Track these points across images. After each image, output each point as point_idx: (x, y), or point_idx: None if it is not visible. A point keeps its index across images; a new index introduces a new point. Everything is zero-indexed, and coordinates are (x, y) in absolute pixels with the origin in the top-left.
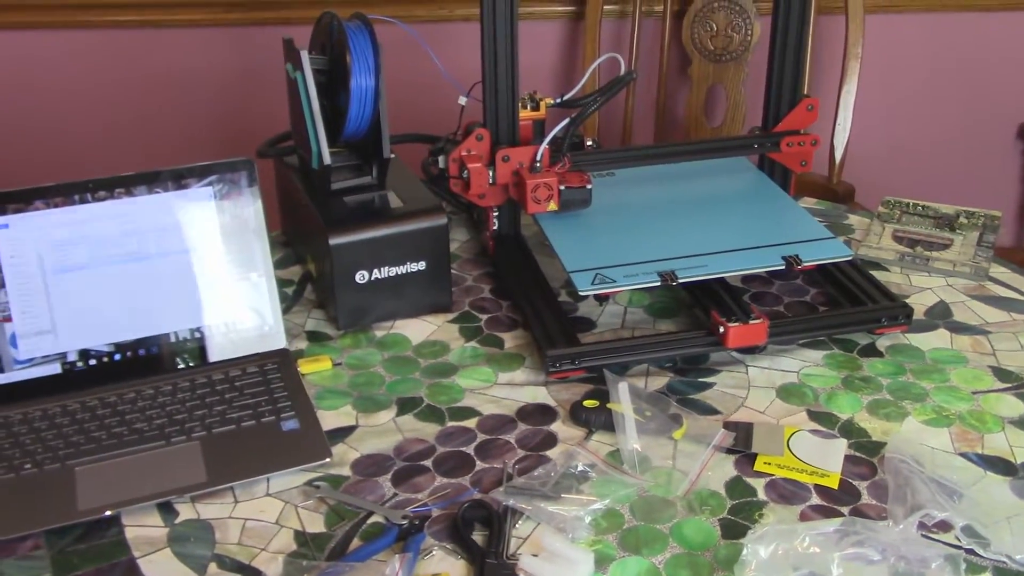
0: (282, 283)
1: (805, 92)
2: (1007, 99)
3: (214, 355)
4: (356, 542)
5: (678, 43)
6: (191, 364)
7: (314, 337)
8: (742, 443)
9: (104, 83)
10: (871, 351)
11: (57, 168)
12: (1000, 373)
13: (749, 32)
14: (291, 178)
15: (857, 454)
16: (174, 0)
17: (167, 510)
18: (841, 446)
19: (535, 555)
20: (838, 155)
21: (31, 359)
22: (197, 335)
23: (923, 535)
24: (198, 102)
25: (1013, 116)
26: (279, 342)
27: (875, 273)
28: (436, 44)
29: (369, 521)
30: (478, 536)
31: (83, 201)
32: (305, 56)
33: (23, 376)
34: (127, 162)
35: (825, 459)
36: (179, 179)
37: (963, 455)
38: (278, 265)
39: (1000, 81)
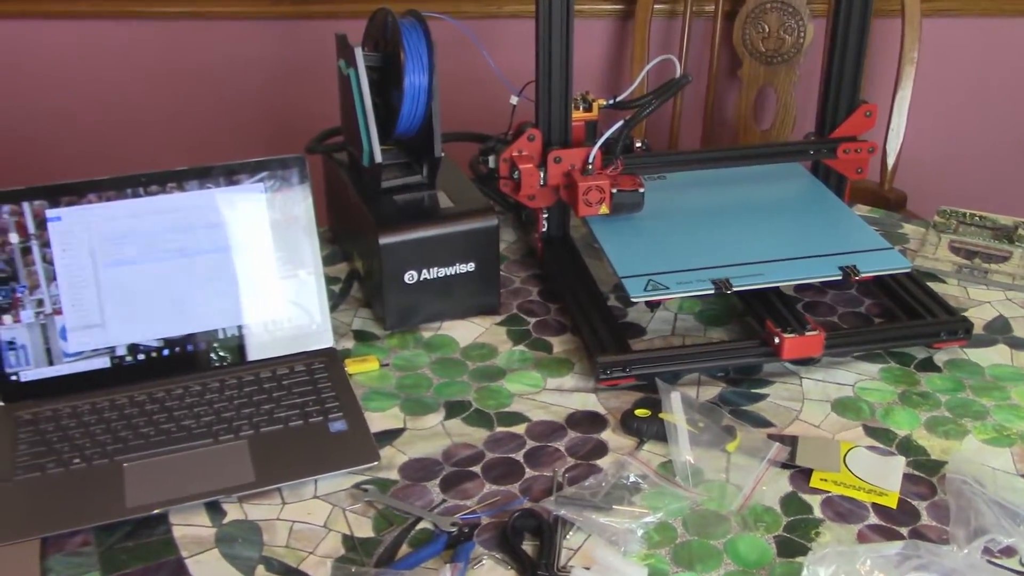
0: (329, 280)
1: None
2: None
3: (262, 352)
4: (405, 548)
5: (729, 44)
6: (239, 361)
7: (361, 336)
8: (791, 457)
9: (152, 74)
10: (928, 366)
11: (105, 159)
12: None
13: (802, 34)
14: (340, 175)
15: (916, 473)
16: None
17: (215, 510)
18: (899, 464)
19: (587, 568)
20: (891, 161)
21: (80, 352)
22: (245, 332)
23: (988, 561)
24: (245, 95)
25: None
26: (327, 341)
27: (932, 285)
28: (485, 40)
29: (417, 527)
30: (528, 546)
31: (135, 195)
32: (359, 53)
33: (72, 369)
34: (174, 154)
35: (883, 477)
36: (231, 175)
37: None
38: (325, 262)
39: None
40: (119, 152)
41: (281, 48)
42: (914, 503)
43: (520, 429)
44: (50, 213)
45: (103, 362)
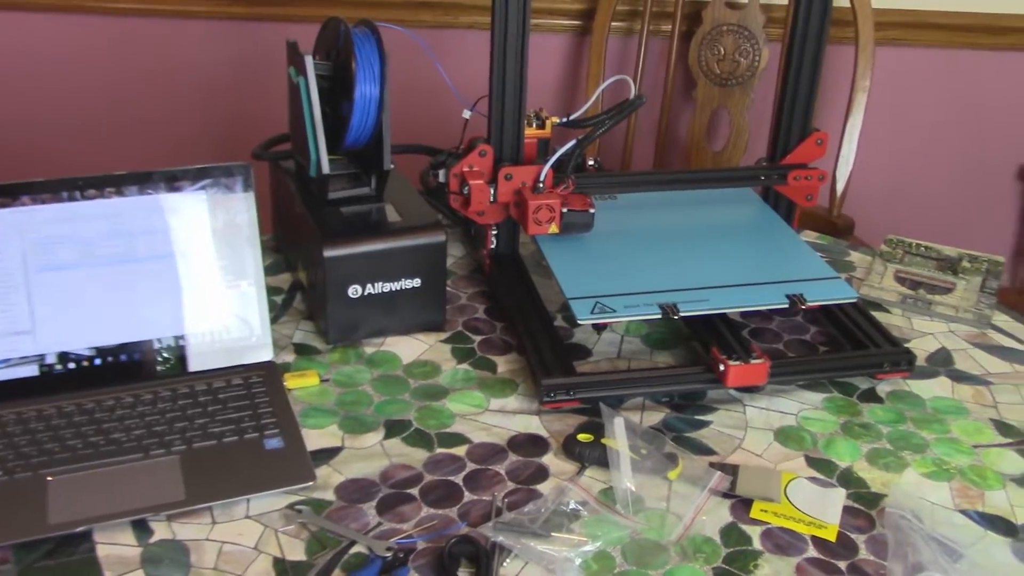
0: (271, 291)
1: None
2: (1010, 139)
3: (198, 364)
4: (338, 573)
5: (684, 65)
6: (174, 373)
7: (302, 350)
8: (732, 486)
9: (97, 70)
10: (871, 396)
11: (44, 158)
12: (1001, 427)
13: (757, 58)
14: (287, 183)
15: (856, 505)
16: None
17: (142, 528)
18: (840, 496)
19: None
20: (840, 187)
21: (7, 360)
22: (181, 343)
23: None
24: (194, 94)
25: (1014, 157)
26: (266, 354)
27: (876, 314)
28: (440, 50)
29: (351, 551)
30: (464, 573)
31: (72, 199)
32: (309, 61)
33: None
34: (117, 152)
35: (823, 509)
36: (172, 181)
37: (963, 512)
38: (268, 271)
39: (1003, 121)
40: (59, 149)
41: (233, 48)
42: (853, 536)
43: (461, 451)
44: None
45: (31, 370)
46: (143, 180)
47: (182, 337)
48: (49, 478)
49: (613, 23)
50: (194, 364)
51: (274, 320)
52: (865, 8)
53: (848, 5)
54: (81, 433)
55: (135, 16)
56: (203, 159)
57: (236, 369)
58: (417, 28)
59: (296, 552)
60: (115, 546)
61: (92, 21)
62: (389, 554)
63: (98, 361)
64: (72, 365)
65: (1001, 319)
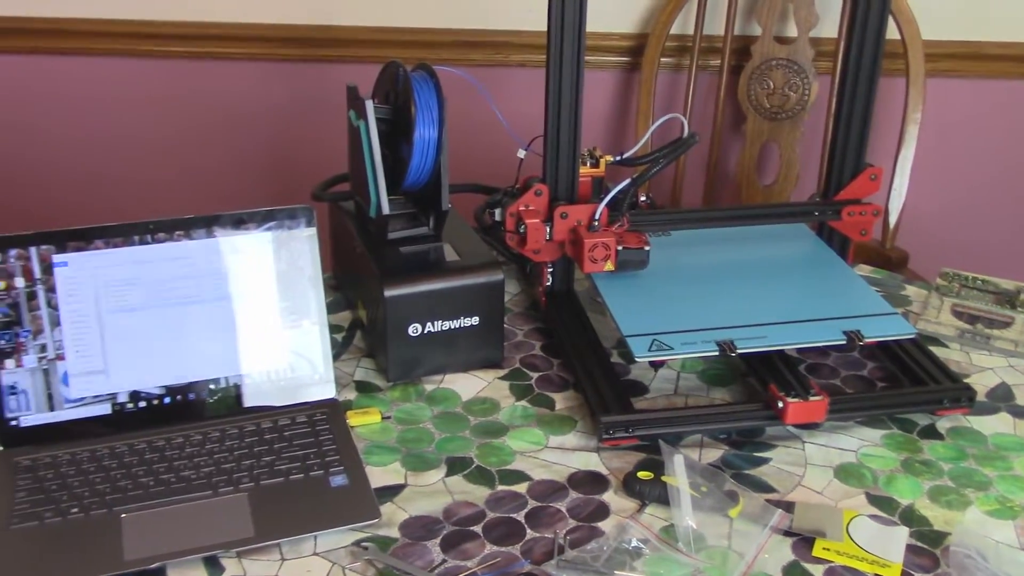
0: (332, 329)
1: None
2: None
3: (263, 402)
4: None
5: (733, 99)
6: (240, 410)
7: (363, 387)
8: (793, 524)
9: (159, 114)
10: (931, 433)
11: (110, 200)
12: None
13: (807, 91)
14: (346, 223)
15: (918, 544)
16: (230, 33)
17: (213, 564)
18: (903, 534)
19: None
20: (892, 220)
21: (82, 398)
22: (247, 381)
23: None
24: (251, 135)
25: None
26: (329, 392)
27: (934, 349)
28: (491, 87)
29: None
30: None
31: (142, 242)
32: (370, 106)
33: (73, 415)
34: (178, 193)
35: (886, 548)
36: (238, 223)
37: None
38: (328, 309)
39: None
40: (123, 190)
41: (288, 89)
42: None
43: (522, 488)
44: (57, 258)
45: (104, 409)
46: (210, 223)
47: (248, 375)
48: (123, 515)
49: (662, 59)
50: (259, 401)
51: (336, 358)
52: (915, 40)
53: (898, 37)
54: (152, 471)
55: (191, 59)
56: (262, 195)
57: (300, 407)
58: (468, 67)
59: None
60: None
61: (155, 65)
62: None
63: (168, 400)
64: (143, 404)
65: None
